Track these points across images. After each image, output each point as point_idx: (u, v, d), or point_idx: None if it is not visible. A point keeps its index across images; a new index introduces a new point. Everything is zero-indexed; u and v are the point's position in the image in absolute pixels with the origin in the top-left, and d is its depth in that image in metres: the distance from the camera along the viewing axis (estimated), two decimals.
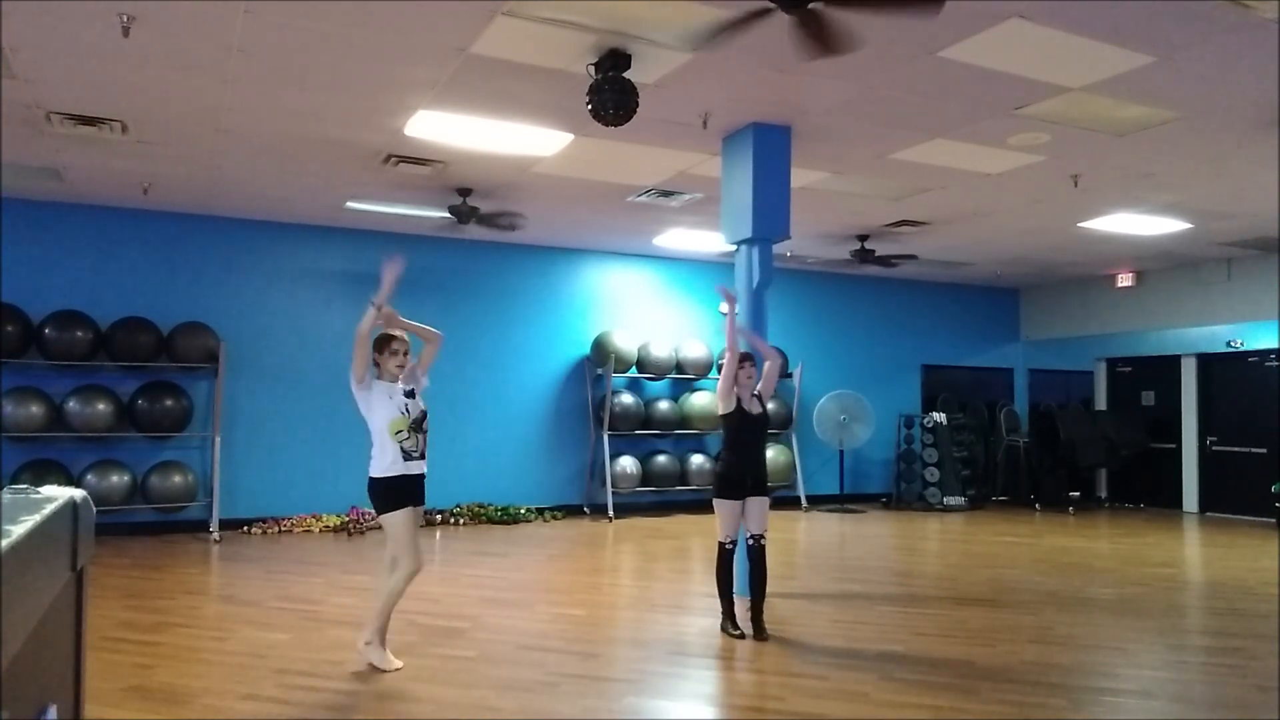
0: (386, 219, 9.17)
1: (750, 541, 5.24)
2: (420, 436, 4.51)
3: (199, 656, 4.67)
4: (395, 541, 4.46)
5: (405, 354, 4.52)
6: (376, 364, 4.54)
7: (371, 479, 4.47)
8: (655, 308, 11.41)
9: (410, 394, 4.54)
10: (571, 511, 10.62)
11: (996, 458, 12.80)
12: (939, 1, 4.07)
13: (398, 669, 4.41)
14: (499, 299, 10.55)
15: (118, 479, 8.31)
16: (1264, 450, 11.25)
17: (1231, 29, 4.59)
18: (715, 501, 5.28)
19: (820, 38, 4.21)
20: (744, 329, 5.75)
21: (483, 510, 9.96)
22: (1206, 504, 11.85)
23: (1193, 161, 6.97)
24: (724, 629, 5.21)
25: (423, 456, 4.53)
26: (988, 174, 7.41)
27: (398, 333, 4.56)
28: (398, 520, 4.42)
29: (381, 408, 4.44)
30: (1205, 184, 7.60)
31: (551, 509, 10.47)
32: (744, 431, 5.28)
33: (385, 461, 4.42)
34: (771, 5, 4.00)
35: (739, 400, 5.26)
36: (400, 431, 4.44)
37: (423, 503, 4.58)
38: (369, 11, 4.54)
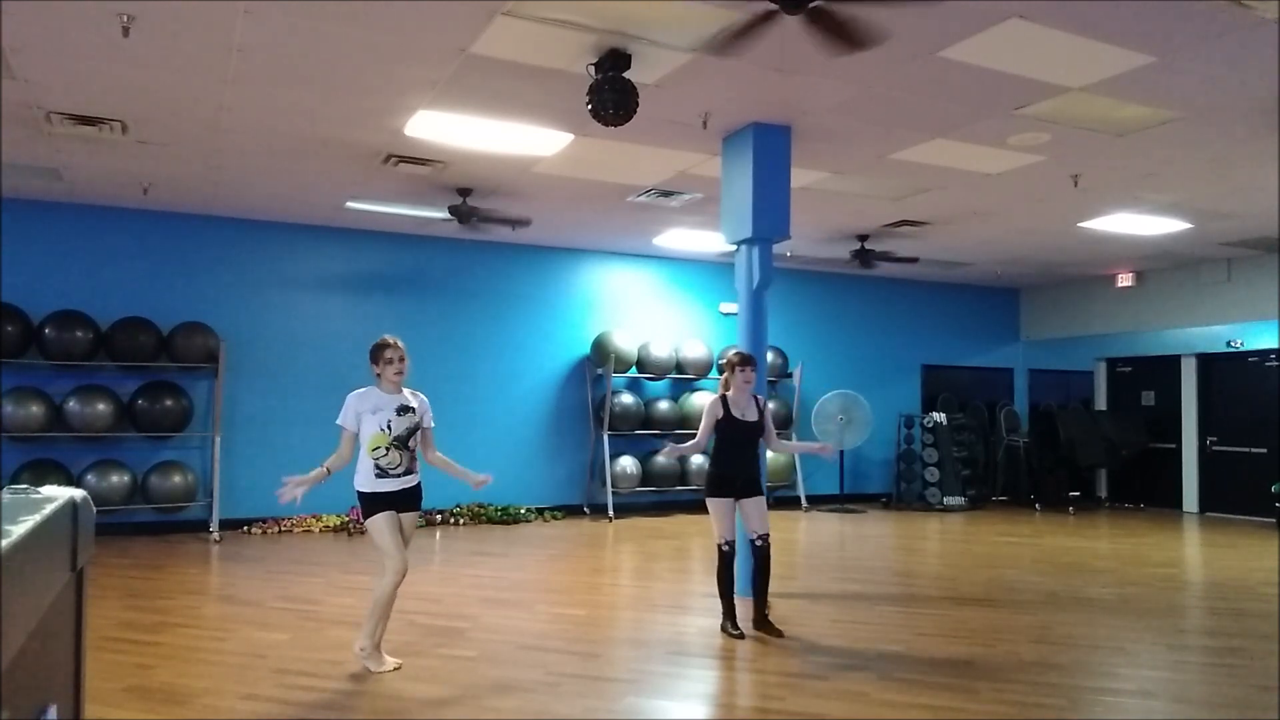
0: (386, 219, 9.18)
1: (758, 542, 5.21)
2: (404, 454, 4.44)
3: (199, 656, 4.67)
4: (377, 546, 4.46)
5: (402, 360, 4.49)
6: (377, 375, 4.51)
7: (357, 491, 4.47)
8: (655, 308, 11.40)
9: (404, 410, 4.47)
10: (571, 511, 10.62)
11: (996, 458, 12.81)
12: None
13: (396, 668, 4.41)
14: (499, 299, 10.55)
15: (118, 479, 8.31)
16: (1264, 450, 11.25)
17: (1231, 29, 4.59)
18: (708, 501, 5.24)
19: (838, 34, 4.20)
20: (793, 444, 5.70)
21: (483, 510, 9.96)
22: (1206, 504, 11.85)
23: (1193, 161, 6.97)
24: (724, 629, 5.20)
25: (408, 473, 4.47)
26: (988, 174, 7.41)
27: (391, 340, 4.53)
28: (376, 524, 4.40)
29: (365, 425, 4.42)
30: (1205, 184, 7.60)
31: (551, 509, 10.47)
32: (735, 436, 5.23)
33: (362, 476, 4.43)
34: (774, 7, 3.99)
35: (728, 408, 5.22)
36: (378, 449, 4.39)
37: (412, 509, 4.53)
38: (369, 11, 4.54)
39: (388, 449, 4.41)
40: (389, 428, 4.42)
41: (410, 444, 4.50)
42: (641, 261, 11.36)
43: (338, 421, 4.46)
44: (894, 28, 4.52)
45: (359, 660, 4.44)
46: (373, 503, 4.41)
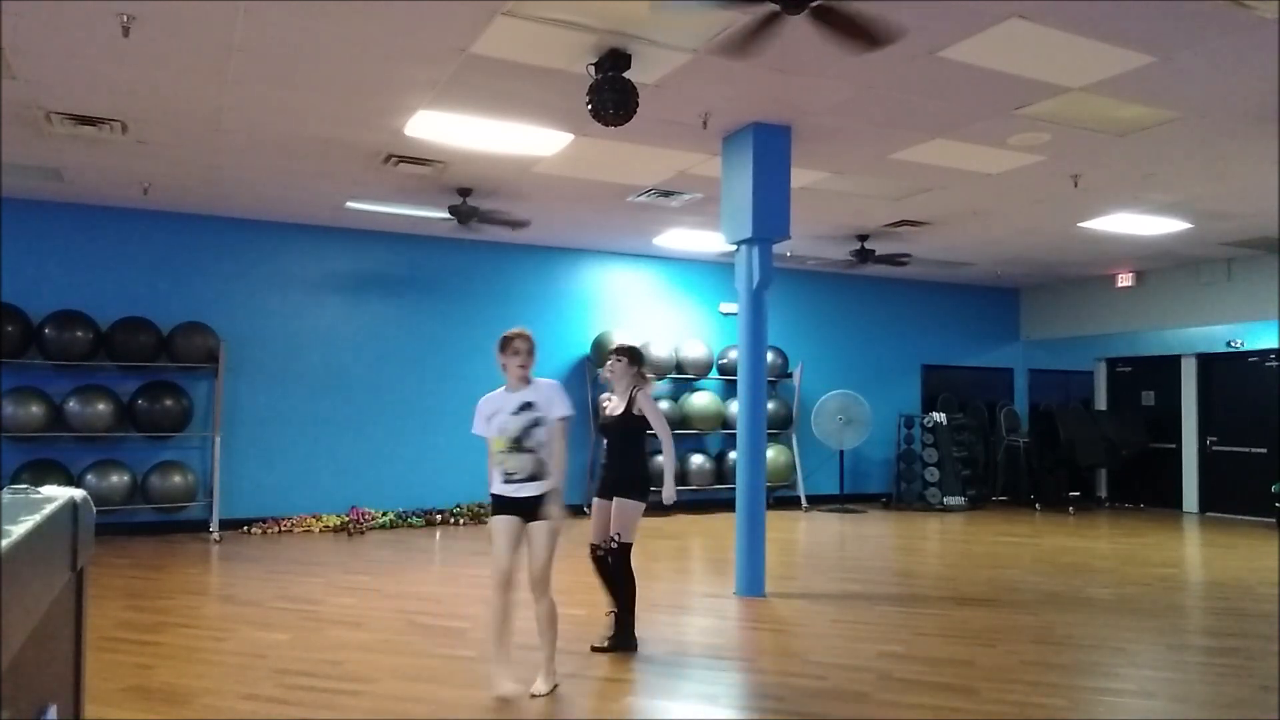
0: (386, 219, 9.17)
1: (611, 543, 4.85)
2: (524, 457, 4.07)
3: (199, 656, 4.67)
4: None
5: (529, 353, 4.15)
6: (503, 368, 4.19)
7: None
8: (655, 308, 11.40)
9: (523, 407, 4.10)
10: (571, 511, 10.59)
11: (996, 458, 12.81)
12: (882, 42, 4.12)
13: (507, 697, 3.98)
14: (499, 299, 10.54)
15: (118, 479, 8.30)
16: (1264, 450, 11.25)
17: (1231, 29, 4.58)
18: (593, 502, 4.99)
19: (848, 32, 4.19)
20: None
21: (483, 510, 9.96)
22: (1206, 504, 11.85)
23: (1193, 161, 6.97)
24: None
25: (533, 479, 4.07)
26: (988, 174, 7.41)
27: (521, 330, 4.19)
28: (493, 525, 4.12)
29: (488, 429, 4.14)
30: (1205, 184, 7.60)
31: None
32: (606, 434, 4.97)
33: (493, 478, 4.16)
34: (776, 8, 4.00)
35: (601, 407, 4.87)
36: (499, 452, 4.10)
37: (533, 519, 4.09)
38: (369, 11, 4.54)
39: (508, 453, 4.09)
40: (505, 429, 4.10)
41: (528, 444, 4.08)
42: (641, 261, 11.36)
43: (474, 431, 4.22)
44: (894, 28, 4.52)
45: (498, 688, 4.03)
46: (496, 505, 4.14)
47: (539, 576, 4.11)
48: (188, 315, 8.94)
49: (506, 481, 4.10)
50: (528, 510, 4.09)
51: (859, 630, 5.37)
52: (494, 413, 4.13)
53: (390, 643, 4.90)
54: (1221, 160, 6.91)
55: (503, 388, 4.20)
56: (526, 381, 4.16)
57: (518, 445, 4.08)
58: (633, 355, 5.01)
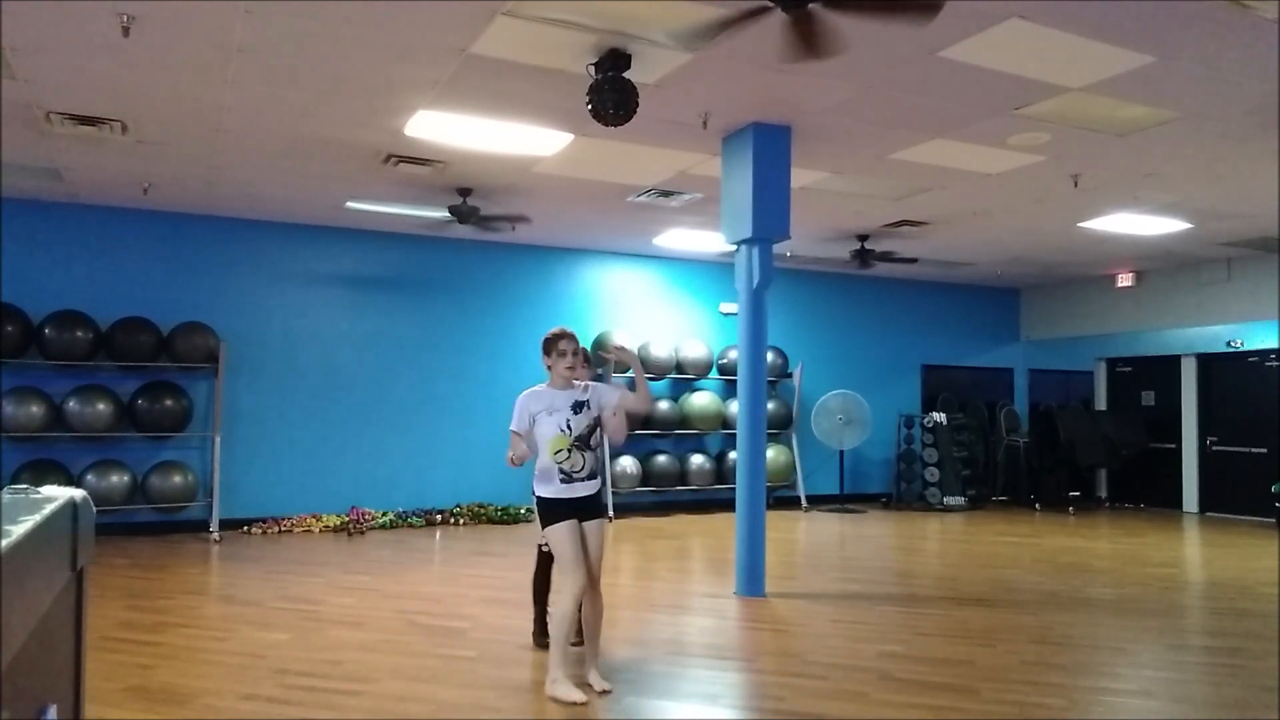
0: (386, 219, 9.17)
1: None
2: (586, 454, 4.08)
3: (199, 656, 4.67)
4: (556, 559, 4.15)
5: (575, 353, 4.14)
6: (548, 368, 4.17)
7: (535, 496, 4.14)
8: (655, 308, 11.41)
9: (580, 406, 4.10)
10: None
11: (996, 458, 12.81)
12: (934, 9, 4.06)
13: (581, 703, 3.93)
14: (499, 299, 10.55)
15: (118, 479, 8.31)
16: (1264, 450, 11.25)
17: (1231, 29, 4.59)
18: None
19: (809, 40, 4.21)
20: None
21: (483, 510, 9.96)
22: (1206, 504, 11.85)
23: (1193, 161, 6.97)
24: (535, 639, 4.87)
25: (592, 476, 4.11)
26: (988, 174, 7.41)
27: (567, 330, 4.21)
28: (558, 535, 4.03)
29: (541, 426, 4.05)
30: (1205, 184, 7.60)
31: None
32: None
33: (542, 481, 4.10)
34: (770, 4, 4.00)
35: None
36: (560, 451, 4.02)
37: (596, 517, 4.17)
38: (369, 11, 4.54)
39: (570, 451, 4.05)
40: (569, 427, 4.05)
41: (593, 443, 4.13)
42: (641, 261, 11.36)
43: (511, 427, 4.08)
44: (894, 28, 4.51)
45: (548, 691, 4.02)
46: (554, 510, 4.06)
47: (599, 573, 4.22)
48: (188, 315, 8.94)
49: (568, 481, 4.06)
50: (585, 509, 4.12)
51: (859, 630, 5.37)
52: (548, 410, 4.07)
53: (390, 643, 4.90)
54: (1221, 160, 6.91)
55: (544, 385, 4.19)
56: (572, 382, 4.17)
57: (583, 443, 4.10)
58: (590, 360, 4.97)
